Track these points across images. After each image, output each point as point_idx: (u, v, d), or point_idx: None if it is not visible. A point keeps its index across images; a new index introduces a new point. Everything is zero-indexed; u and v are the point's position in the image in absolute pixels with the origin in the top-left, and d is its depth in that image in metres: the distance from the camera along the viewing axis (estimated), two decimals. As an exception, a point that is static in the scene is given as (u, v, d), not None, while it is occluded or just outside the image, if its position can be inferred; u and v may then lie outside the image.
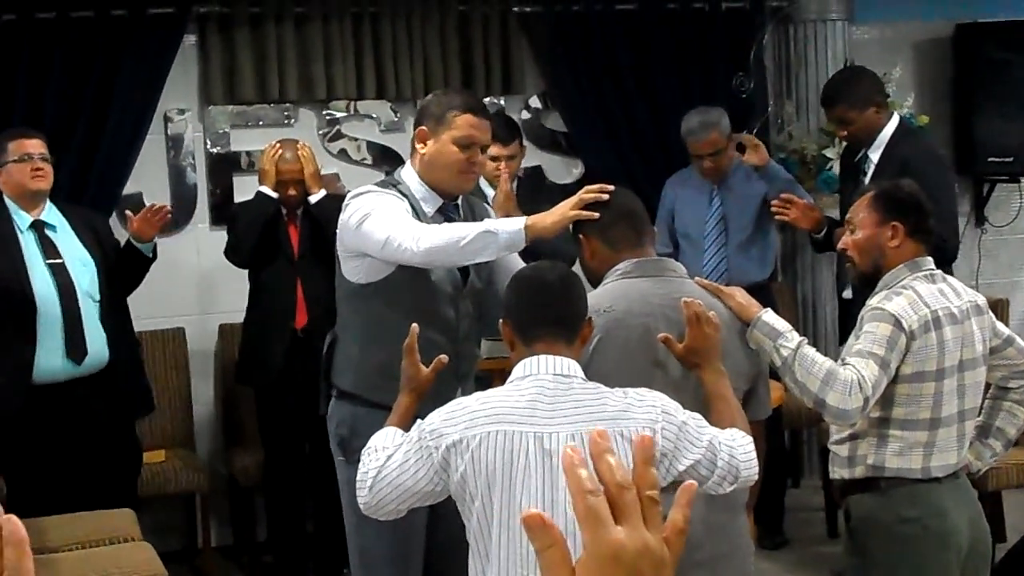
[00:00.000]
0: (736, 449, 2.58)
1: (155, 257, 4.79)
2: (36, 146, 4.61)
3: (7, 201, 4.60)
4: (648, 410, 2.51)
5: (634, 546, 0.94)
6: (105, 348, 4.61)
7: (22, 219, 4.59)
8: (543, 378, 2.53)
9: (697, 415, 2.59)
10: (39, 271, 4.52)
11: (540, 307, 2.60)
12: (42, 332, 4.48)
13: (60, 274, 4.54)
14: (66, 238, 4.64)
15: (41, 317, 4.48)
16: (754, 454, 2.62)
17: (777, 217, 4.87)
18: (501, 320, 2.67)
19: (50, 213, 4.65)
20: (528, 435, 2.47)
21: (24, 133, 4.68)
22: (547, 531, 0.95)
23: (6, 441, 4.58)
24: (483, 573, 2.54)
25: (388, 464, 2.55)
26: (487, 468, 2.47)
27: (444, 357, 2.81)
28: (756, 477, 2.63)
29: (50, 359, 4.50)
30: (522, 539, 2.46)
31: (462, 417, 2.51)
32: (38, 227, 4.60)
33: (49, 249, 4.58)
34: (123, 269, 4.75)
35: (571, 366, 2.56)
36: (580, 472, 0.95)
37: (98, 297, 4.61)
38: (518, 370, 2.57)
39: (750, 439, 2.64)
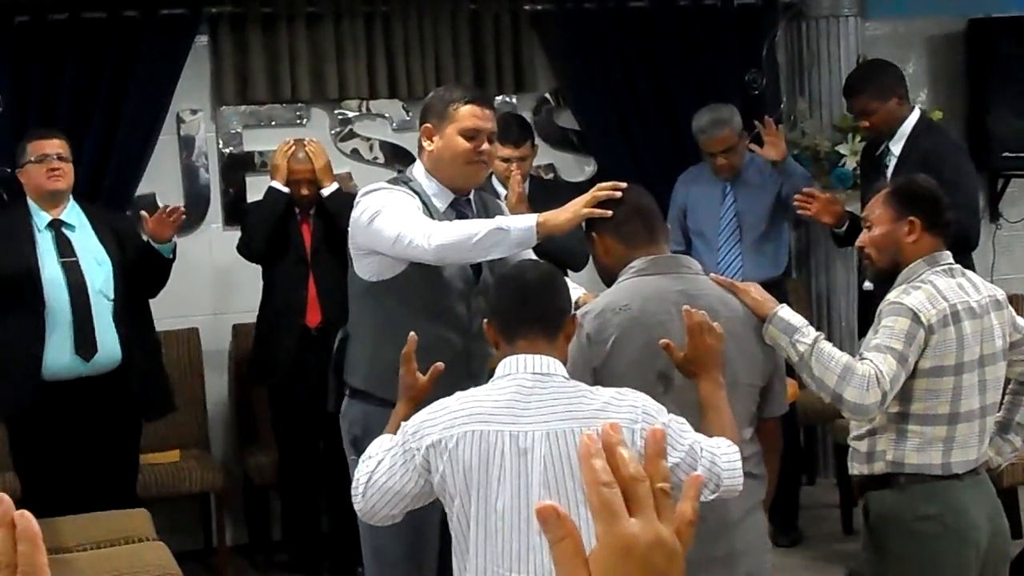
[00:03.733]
0: (719, 457, 2.56)
1: (175, 257, 4.79)
2: (54, 146, 4.64)
3: (29, 201, 4.65)
4: (628, 410, 2.50)
5: (647, 538, 0.94)
6: (117, 347, 4.61)
7: (41, 218, 4.63)
8: (522, 377, 2.55)
9: (681, 419, 2.58)
10: (51, 269, 4.55)
11: (520, 306, 2.62)
12: (51, 328, 4.51)
13: (72, 272, 4.57)
14: (84, 237, 4.66)
15: (50, 313, 4.51)
16: (739, 464, 2.59)
17: (799, 211, 4.85)
18: (485, 320, 2.68)
19: (71, 212, 4.69)
20: (504, 434, 2.49)
21: (42, 134, 4.72)
22: (560, 523, 0.94)
23: (18, 439, 4.64)
24: (463, 570, 2.58)
25: (377, 470, 2.59)
26: (464, 468, 2.50)
27: (440, 365, 2.80)
28: (740, 487, 2.61)
29: (58, 356, 4.52)
30: (498, 537, 2.51)
31: (442, 417, 2.54)
32: (55, 226, 4.64)
33: (64, 248, 4.61)
34: (143, 270, 4.75)
35: (551, 364, 2.57)
36: (595, 463, 0.95)
37: (112, 296, 4.62)
38: (499, 369, 2.61)
39: (736, 449, 2.61)
